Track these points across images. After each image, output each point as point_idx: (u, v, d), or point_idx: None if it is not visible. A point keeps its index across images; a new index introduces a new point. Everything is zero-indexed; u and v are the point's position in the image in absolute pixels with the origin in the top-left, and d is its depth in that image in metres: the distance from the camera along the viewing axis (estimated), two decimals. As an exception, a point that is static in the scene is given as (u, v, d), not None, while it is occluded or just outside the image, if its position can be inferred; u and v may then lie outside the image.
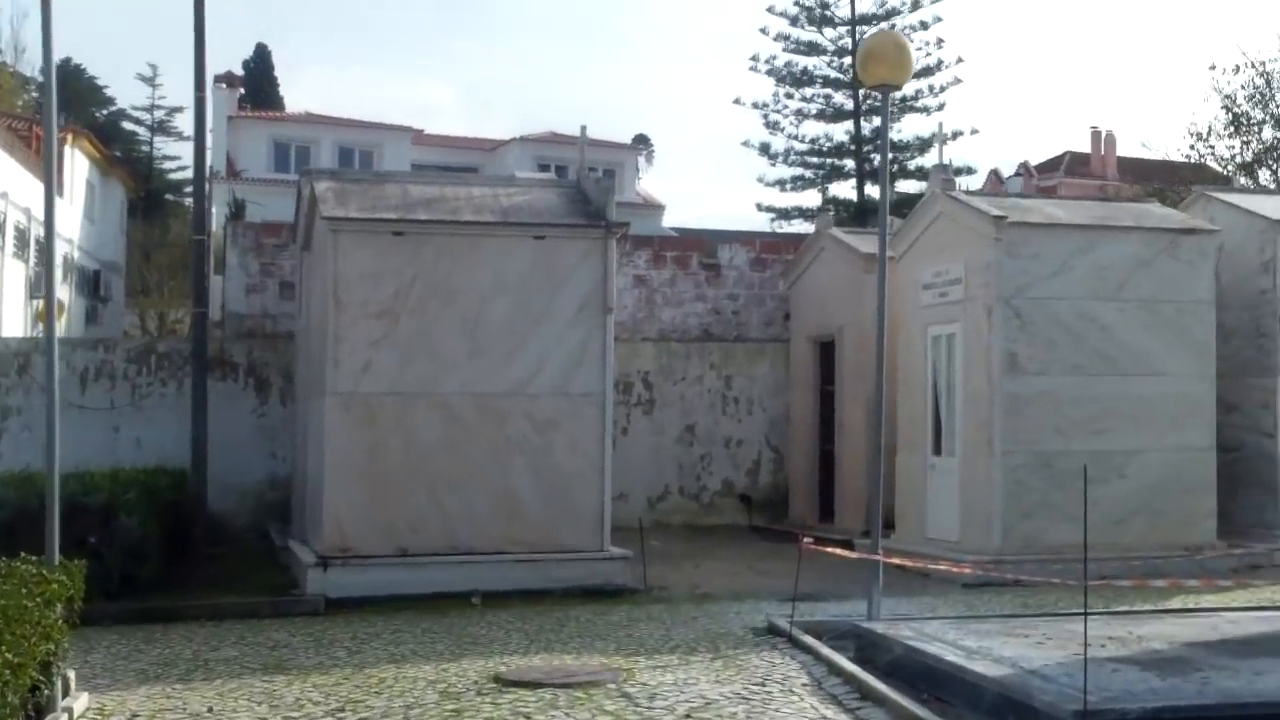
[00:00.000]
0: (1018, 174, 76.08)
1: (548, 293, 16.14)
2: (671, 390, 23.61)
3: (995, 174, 72.53)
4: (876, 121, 53.54)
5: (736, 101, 76.94)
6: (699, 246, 24.84)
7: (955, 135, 53.79)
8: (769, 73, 54.07)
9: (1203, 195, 19.58)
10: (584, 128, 18.34)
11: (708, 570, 17.78)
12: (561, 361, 16.12)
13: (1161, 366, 17.21)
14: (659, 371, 23.48)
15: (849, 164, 55.65)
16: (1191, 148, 32.68)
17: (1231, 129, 32.03)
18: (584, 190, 17.58)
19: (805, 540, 12.78)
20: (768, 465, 23.91)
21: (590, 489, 16.08)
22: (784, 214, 56.48)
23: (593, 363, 16.21)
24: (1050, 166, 77.50)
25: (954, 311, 17.72)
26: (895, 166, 53.46)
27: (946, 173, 18.54)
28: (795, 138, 55.23)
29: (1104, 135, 78.43)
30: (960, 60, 76.43)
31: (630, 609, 14.43)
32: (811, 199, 55.26)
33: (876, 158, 53.46)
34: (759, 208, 68.22)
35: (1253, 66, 31.97)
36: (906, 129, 61.48)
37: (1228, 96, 32.13)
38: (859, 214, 50.65)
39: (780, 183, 56.13)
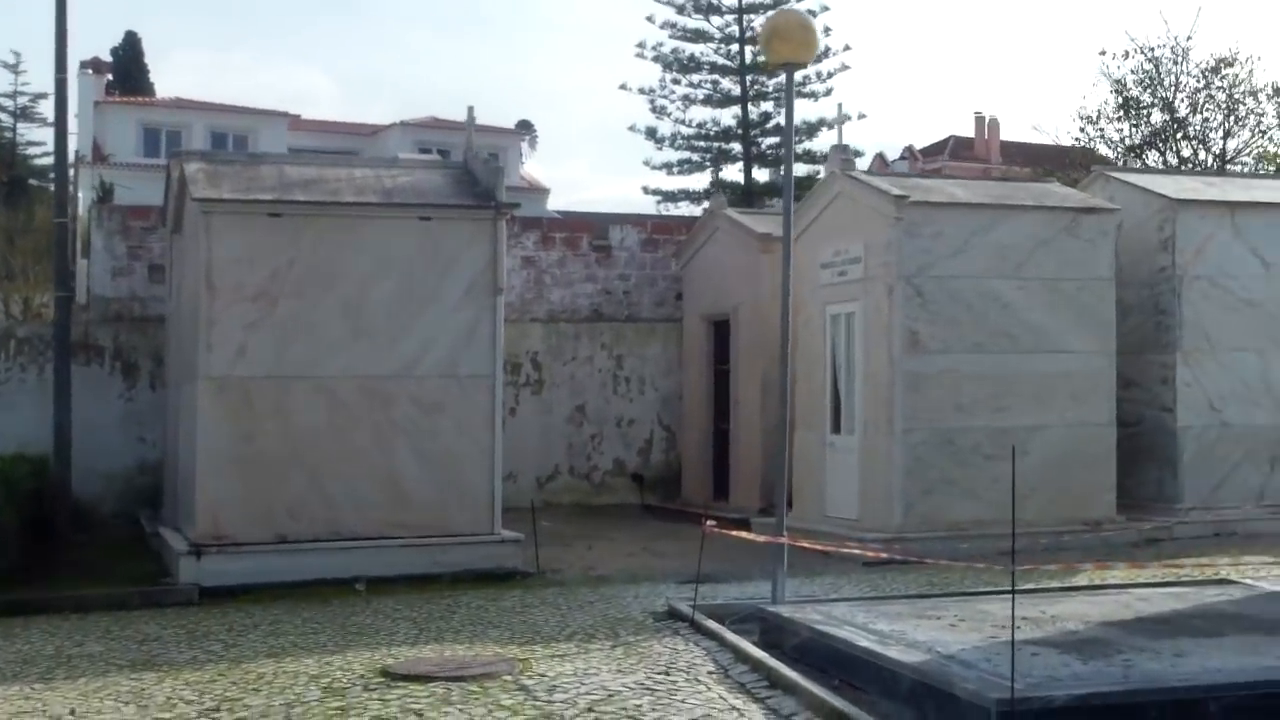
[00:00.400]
0: (902, 158, 76.51)
1: (435, 275, 15.58)
2: (561, 370, 23.11)
3: (881, 157, 72.86)
4: (764, 106, 53.52)
5: (623, 87, 76.51)
6: (589, 228, 24.34)
7: (844, 119, 53.81)
8: (656, 59, 53.61)
9: (1101, 175, 19.52)
10: (471, 108, 17.75)
11: (601, 551, 17.34)
12: (449, 344, 15.56)
13: (1063, 343, 17.08)
14: (548, 352, 22.98)
15: (736, 148, 55.44)
16: (1081, 130, 32.85)
17: (1121, 113, 32.19)
18: (471, 171, 17.01)
19: (708, 523, 12.36)
20: (660, 444, 23.52)
21: (479, 471, 15.55)
22: (670, 197, 56.13)
23: (481, 345, 15.67)
24: (934, 150, 78.06)
25: (854, 290, 17.44)
26: (782, 151, 53.36)
27: (846, 153, 18.22)
28: (682, 122, 54.88)
29: (987, 120, 79.21)
30: (848, 47, 76.76)
31: (523, 593, 13.92)
32: (698, 182, 55.01)
33: (764, 141, 53.46)
34: (645, 191, 67.76)
35: (1141, 52, 32.20)
36: (796, 113, 61.53)
37: (1118, 81, 32.31)
38: (746, 197, 50.46)
39: (667, 166, 55.76)
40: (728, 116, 54.24)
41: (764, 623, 11.39)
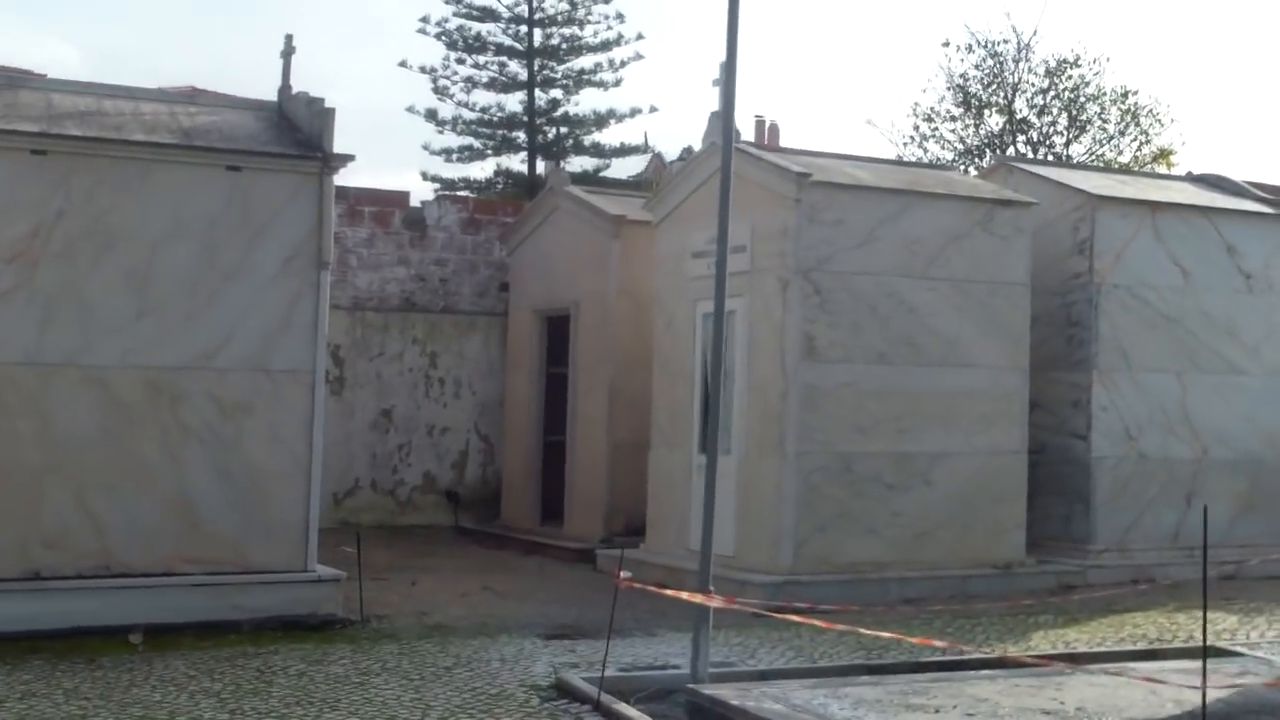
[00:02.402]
0: (681, 158, 74.88)
1: (244, 240, 12.46)
2: (366, 368, 20.04)
3: (659, 158, 71.01)
4: (552, 93, 50.88)
5: (403, 64, 72.58)
6: (402, 203, 21.26)
7: (634, 113, 51.66)
8: (439, 36, 50.45)
9: (1003, 165, 17.38)
10: (289, 36, 14.51)
11: (429, 589, 14.41)
12: (260, 328, 12.45)
13: (972, 356, 14.88)
14: (352, 346, 19.87)
15: (521, 136, 52.69)
16: (915, 129, 31.08)
17: (962, 110, 30.56)
18: (289, 115, 13.89)
19: (621, 574, 9.61)
20: (476, 457, 20.63)
21: (292, 492, 12.47)
22: (450, 185, 53.06)
23: (301, 331, 12.59)
24: (713, 154, 76.61)
25: (735, 284, 14.73)
26: (570, 142, 51.11)
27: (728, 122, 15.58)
28: (466, 105, 51.86)
29: (768, 125, 78.33)
30: (640, 36, 74.59)
31: (352, 652, 10.92)
32: (480, 171, 52.09)
33: (551, 131, 50.87)
34: (424, 177, 64.37)
35: (984, 47, 30.59)
36: (584, 104, 59.06)
37: (961, 76, 30.68)
38: (530, 188, 47.78)
39: (446, 152, 52.61)
40: (514, 102, 51.55)
41: (695, 710, 8.72)
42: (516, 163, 52.87)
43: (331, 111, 13.18)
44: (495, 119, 51.82)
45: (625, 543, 16.77)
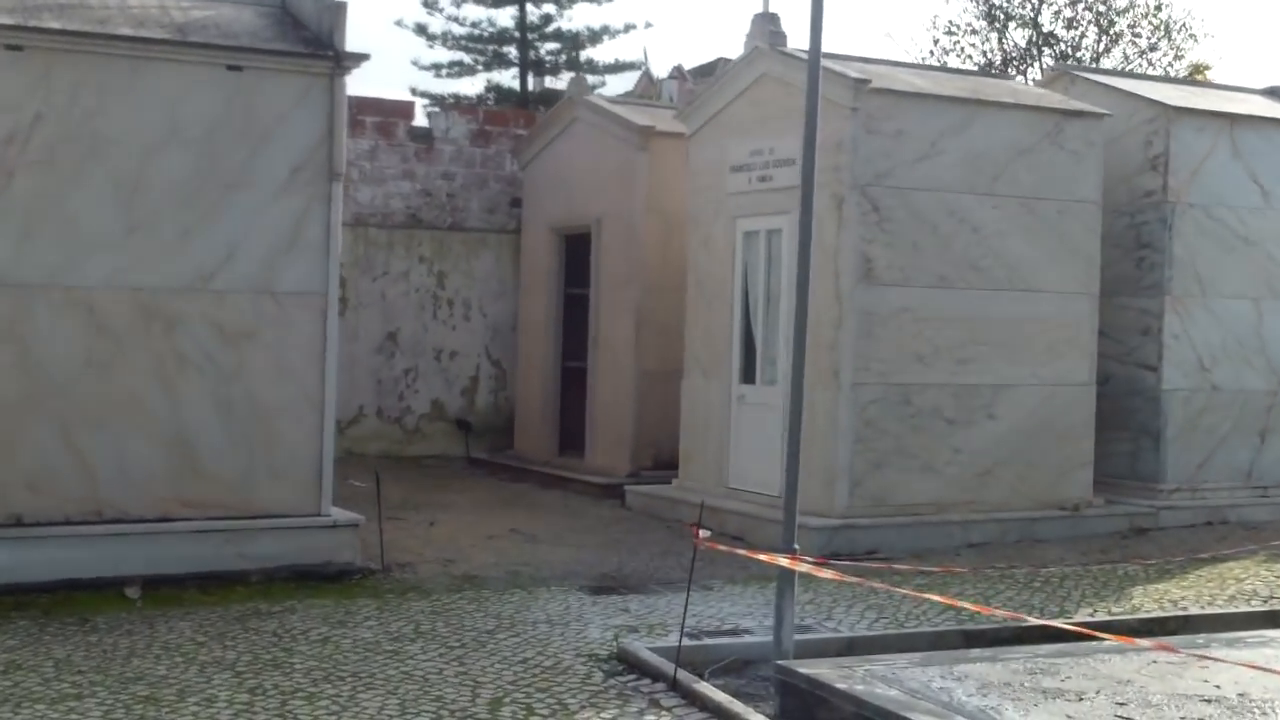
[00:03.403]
0: (672, 77, 73.06)
1: (247, 148, 11.11)
2: (370, 288, 18.70)
3: (647, 75, 69.22)
4: (544, 9, 49.09)
5: (388, -24, 70.60)
6: (406, 113, 19.80)
7: (628, 29, 50.03)
8: (425, -54, 48.61)
9: (1064, 74, 15.96)
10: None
11: (449, 530, 13.21)
12: (265, 246, 11.14)
13: (1039, 280, 13.63)
14: (354, 264, 18.49)
15: (513, 51, 50.90)
16: (935, 42, 29.52)
17: (985, 24, 29.00)
18: (294, 11, 12.47)
19: (700, 533, 8.38)
20: (488, 383, 19.37)
21: (304, 428, 11.22)
22: (440, 101, 51.32)
23: (311, 250, 11.29)
24: (705, 72, 74.89)
25: (782, 201, 13.58)
26: (563, 58, 49.45)
27: (775, 24, 14.17)
28: (456, 19, 50.04)
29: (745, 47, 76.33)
30: (630, -53, 72.56)
31: (379, 610, 9.73)
32: (470, 87, 50.40)
33: (543, 47, 49.16)
34: (414, 93, 62.37)
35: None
36: (577, 19, 57.33)
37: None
38: (522, 105, 46.11)
39: (437, 67, 50.87)
40: (505, 17, 49.78)
41: (788, 690, 7.54)
42: (508, 79, 50.99)
43: (343, 6, 11.72)
44: (486, 34, 49.92)
45: (655, 477, 15.66)
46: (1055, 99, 14.50)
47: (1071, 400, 13.75)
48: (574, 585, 10.75)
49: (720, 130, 14.58)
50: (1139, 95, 14.86)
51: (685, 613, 8.47)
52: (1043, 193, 13.63)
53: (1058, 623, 8.49)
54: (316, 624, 9.25)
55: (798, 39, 14.15)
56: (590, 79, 47.18)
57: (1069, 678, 7.39)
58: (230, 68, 11.11)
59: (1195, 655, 7.78)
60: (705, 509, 13.65)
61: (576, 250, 17.73)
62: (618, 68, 51.39)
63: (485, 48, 50.11)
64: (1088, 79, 15.59)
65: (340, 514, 11.36)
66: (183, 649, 8.54)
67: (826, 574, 8.22)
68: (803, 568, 7.89)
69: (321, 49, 11.46)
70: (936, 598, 8.81)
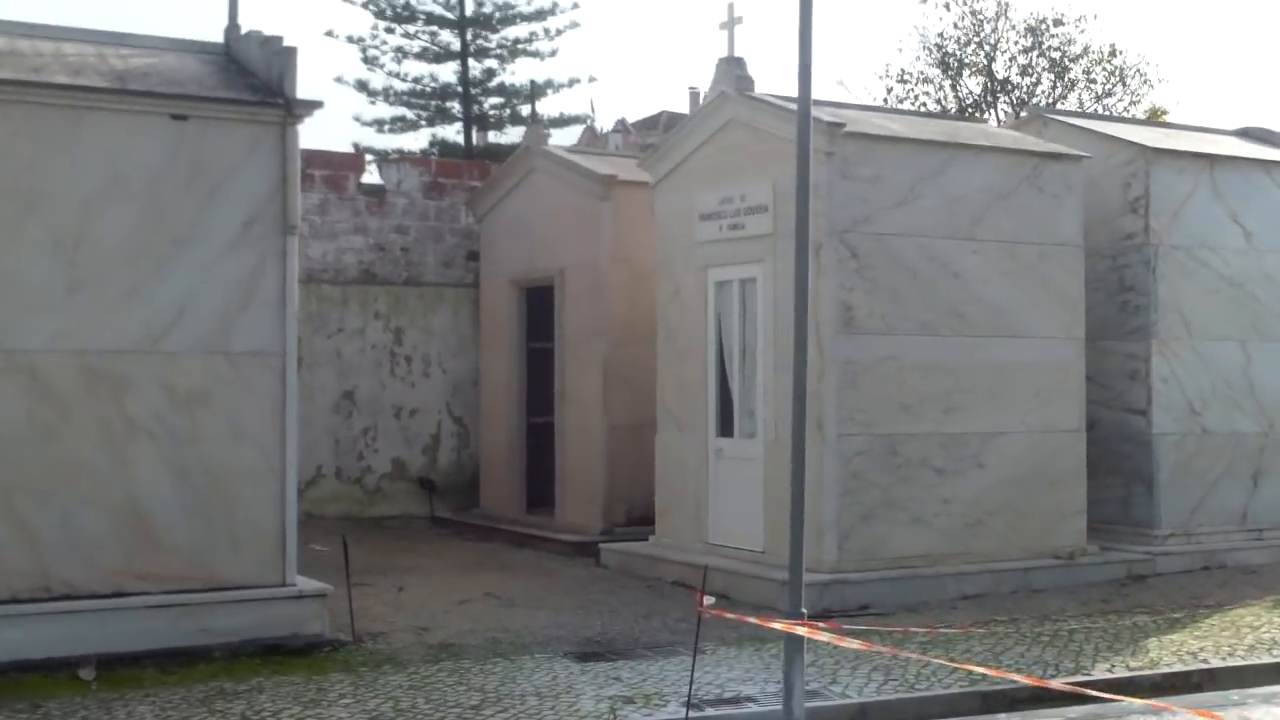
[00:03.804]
0: (616, 130, 73.00)
1: (194, 201, 10.53)
2: (324, 345, 18.05)
3: (591, 129, 69.12)
4: (486, 63, 48.70)
5: (329, 34, 69.81)
6: (357, 166, 19.26)
7: (572, 83, 49.74)
8: (366, 5, 48.16)
9: (1038, 117, 15.63)
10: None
11: (420, 595, 12.57)
12: (217, 304, 10.52)
13: (1023, 326, 13.22)
14: (307, 322, 17.82)
15: (456, 106, 50.44)
16: (889, 91, 29.21)
17: (940, 71, 28.74)
18: (239, 57, 11.93)
19: (703, 599, 7.79)
20: (450, 441, 18.73)
21: (262, 493, 10.58)
22: (384, 156, 50.64)
23: (266, 307, 10.68)
24: (648, 125, 74.87)
25: (756, 249, 13.13)
26: (507, 112, 49.09)
27: (741, 69, 13.67)
28: (397, 75, 49.56)
29: (700, 96, 76.55)
30: (576, 4, 72.38)
31: (354, 687, 9.06)
32: (413, 142, 49.83)
33: (486, 101, 48.81)
34: (356, 149, 61.63)
35: (963, 4, 28.79)
36: (520, 73, 56.93)
37: (939, 35, 28.87)
38: (467, 159, 45.61)
39: (379, 123, 50.32)
40: (447, 72, 49.39)
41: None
42: (452, 134, 50.48)
43: (292, 51, 11.22)
44: (429, 89, 49.35)
45: (629, 534, 15.09)
46: (1032, 141, 14.16)
47: (1061, 447, 13.32)
48: (558, 652, 10.13)
49: (687, 178, 14.12)
50: (1115, 137, 14.58)
51: (691, 684, 7.86)
52: (1023, 237, 13.26)
53: (1085, 689, 7.96)
54: (288, 704, 8.58)
55: (763, 84, 13.73)
56: (523, 136, 46.71)
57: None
58: (175, 117, 10.53)
59: (1225, 710, 7.26)
60: (688, 567, 13.25)
61: (538, 303, 17.19)
62: (563, 121, 50.83)
63: (428, 103, 49.50)
64: (1061, 121, 15.28)
65: (306, 583, 10.70)
66: (141, 739, 7.86)
67: (853, 644, 7.61)
68: (823, 636, 7.31)
69: (271, 96, 10.90)
70: (978, 668, 8.26)
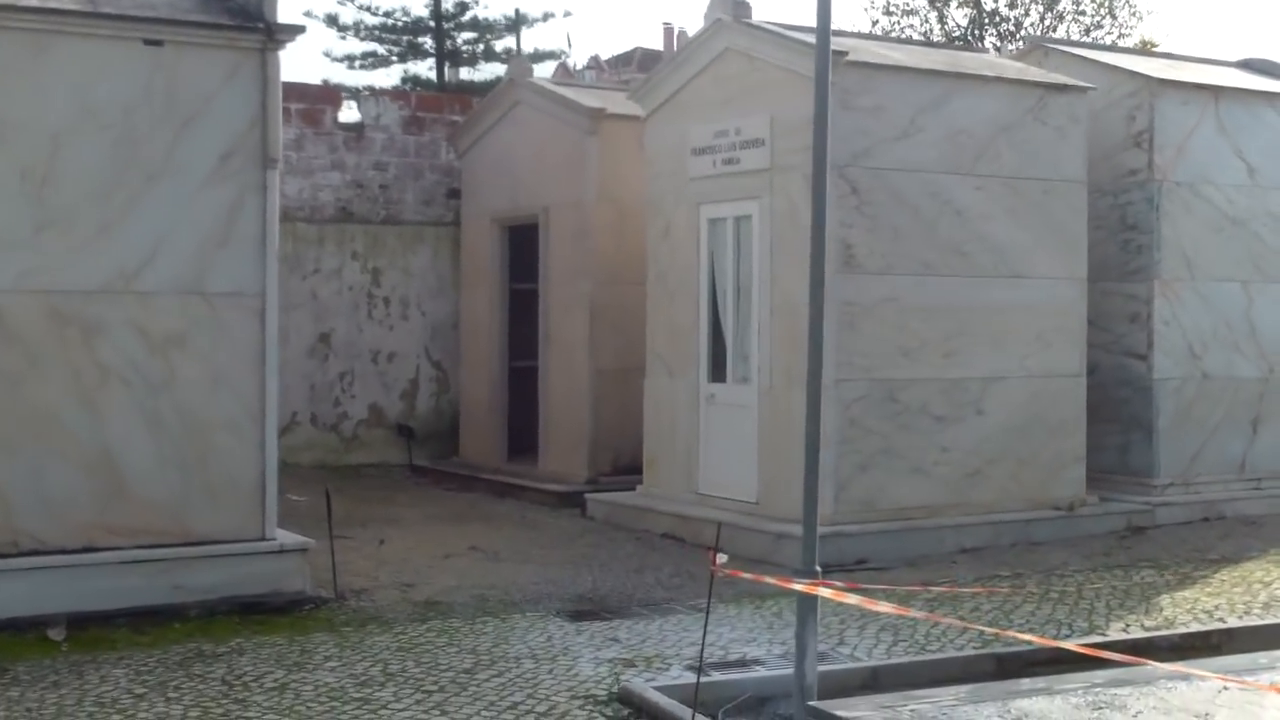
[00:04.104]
0: (589, 67, 72.09)
1: (169, 132, 9.95)
2: (300, 287, 17.48)
3: (564, 66, 68.24)
4: (459, -3, 47.87)
5: (298, -34, 68.97)
6: (334, 99, 18.65)
7: (546, 17, 48.90)
8: (335, -65, 47.14)
9: (1038, 47, 15.14)
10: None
11: (402, 549, 12.15)
12: (194, 242, 9.99)
13: (1026, 266, 12.81)
14: (283, 262, 16.56)
15: (428, 42, 49.54)
16: (875, 24, 28.65)
17: (927, 1, 28.17)
18: (215, -22, 11.31)
19: (716, 557, 7.40)
20: (428, 386, 18.24)
21: (242, 443, 10.09)
22: (354, 94, 49.72)
23: (245, 245, 10.18)
24: (621, 62, 73.98)
25: (752, 185, 12.65)
26: (480, 47, 48.21)
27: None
28: (368, 9, 48.60)
29: (676, 32, 75.57)
30: (550, -64, 71.37)
31: (339, 648, 8.64)
32: (385, 79, 48.93)
33: (459, 36, 47.94)
34: (327, 86, 60.74)
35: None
36: (493, 7, 56.15)
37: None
38: (446, 93, 44.75)
39: (350, 58, 49.42)
40: (419, 6, 48.41)
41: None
42: (424, 69, 49.74)
43: (272, -28, 10.62)
44: (400, 24, 48.47)
45: (615, 483, 14.68)
46: (1036, 72, 13.69)
47: (1062, 392, 12.94)
48: (550, 610, 9.73)
49: (680, 111, 13.60)
50: (1119, 68, 14.09)
51: (703, 649, 7.47)
52: (1026, 172, 12.82)
53: (1107, 653, 7.61)
54: (270, 667, 8.15)
55: (761, 11, 13.22)
56: (507, 69, 46.05)
57: (1140, 712, 6.52)
58: (148, 42, 9.95)
59: (1259, 675, 6.92)
60: (678, 519, 12.88)
61: (521, 242, 16.68)
62: (537, 57, 50.04)
63: (400, 38, 48.64)
64: (1063, 51, 14.80)
65: (286, 537, 10.25)
66: (120, 704, 7.42)
67: (885, 607, 7.18)
68: (851, 598, 6.91)
69: (250, 20, 10.31)
70: (989, 630, 7.90)
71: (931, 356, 12.35)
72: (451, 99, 20.23)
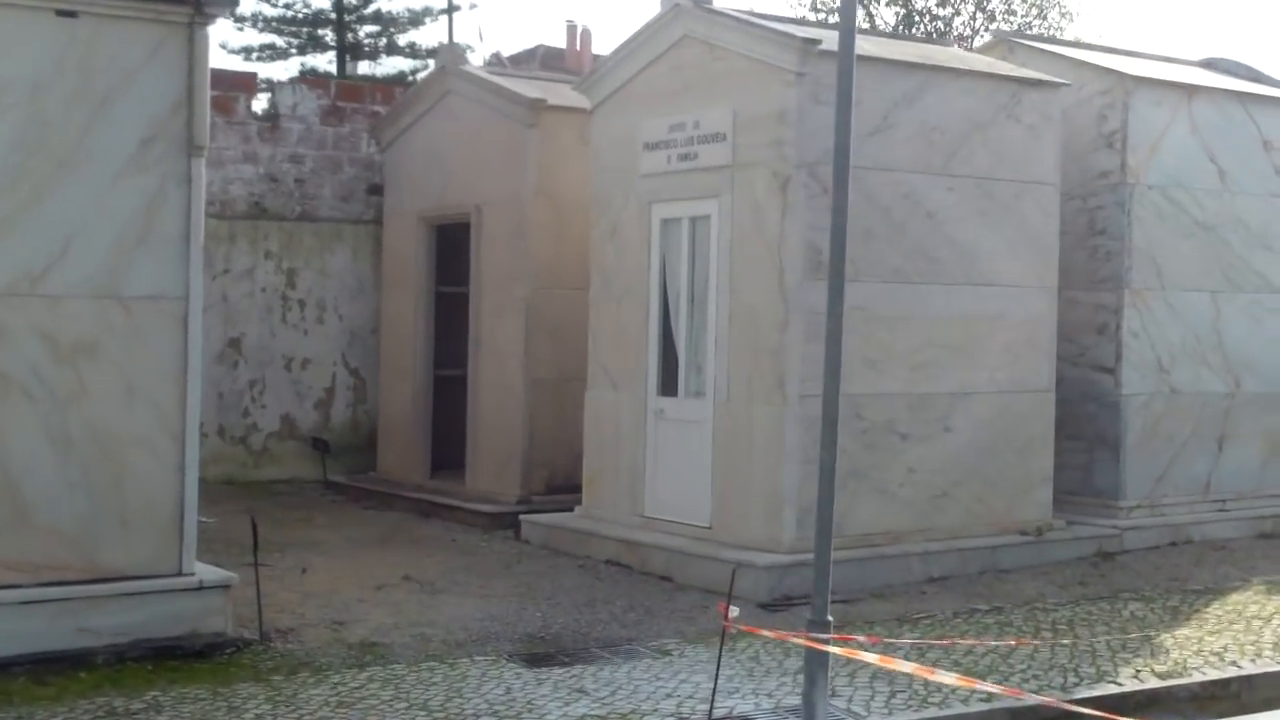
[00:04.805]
0: (491, 63, 71.02)
1: (83, 114, 8.88)
2: (209, 287, 16.25)
3: (467, 61, 67.09)
4: (361, -10, 46.53)
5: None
6: (249, 86, 17.52)
7: (452, 9, 47.67)
8: (233, -79, 45.50)
9: (1002, 42, 14.50)
10: None
11: (328, 578, 11.13)
12: (109, 239, 8.93)
13: (996, 273, 12.14)
14: (190, 261, 16.10)
15: (329, 35, 48.18)
16: (800, 20, 27.83)
17: (856, -2, 27.52)
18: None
19: (729, 610, 6.53)
20: (345, 395, 17.18)
21: (160, 465, 9.03)
22: (269, 83, 48.18)
23: (167, 243, 9.12)
24: (524, 59, 73.02)
25: (711, 183, 11.83)
26: (384, 41, 46.99)
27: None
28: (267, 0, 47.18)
29: (580, 30, 74.78)
30: (455, -74, 69.80)
31: (270, 703, 7.65)
32: (283, 71, 47.34)
33: (361, 29, 46.70)
34: (241, 72, 58.85)
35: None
36: (397, 0, 54.74)
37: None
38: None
39: (247, 50, 47.92)
40: (320, -2, 47.15)
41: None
42: (324, 63, 48.29)
43: (200, -57, 9.57)
44: (300, 15, 47.13)
45: (551, 504, 13.76)
46: (1008, 67, 13.04)
47: (1030, 408, 12.30)
48: (501, 653, 8.82)
49: (631, 102, 12.75)
50: (1090, 64, 13.47)
51: (712, 711, 6.60)
52: (999, 173, 12.18)
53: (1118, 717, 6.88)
54: (193, 724, 7.16)
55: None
56: (413, 63, 44.85)
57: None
58: (61, 13, 8.86)
59: None
60: (623, 544, 12.01)
61: (449, 242, 15.71)
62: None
63: (300, 30, 47.25)
64: (1030, 46, 14.21)
65: (206, 571, 9.21)
66: (21, 779, 6.40)
67: (906, 667, 6.38)
68: (870, 657, 6.10)
69: (176, -8, 9.28)
70: (997, 689, 7.12)
71: (898, 369, 11.64)
72: (374, 88, 19.16)
